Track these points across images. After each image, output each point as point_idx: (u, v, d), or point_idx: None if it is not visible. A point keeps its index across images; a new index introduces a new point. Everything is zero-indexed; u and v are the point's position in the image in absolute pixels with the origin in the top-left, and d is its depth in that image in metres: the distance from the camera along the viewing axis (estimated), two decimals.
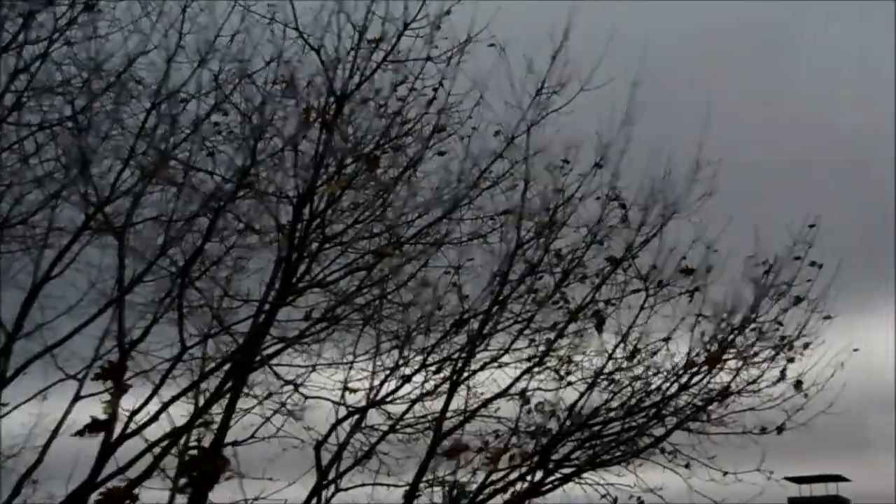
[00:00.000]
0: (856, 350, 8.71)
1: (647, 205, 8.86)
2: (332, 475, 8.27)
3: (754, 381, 8.83)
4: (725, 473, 8.64)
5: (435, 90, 8.69)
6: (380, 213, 8.81)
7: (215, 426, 8.09)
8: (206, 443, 8.14)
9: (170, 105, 8.30)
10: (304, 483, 8.33)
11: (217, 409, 8.06)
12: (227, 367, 7.97)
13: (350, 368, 8.73)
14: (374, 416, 8.96)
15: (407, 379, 8.96)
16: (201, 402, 8.09)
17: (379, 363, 8.85)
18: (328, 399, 8.72)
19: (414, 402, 8.87)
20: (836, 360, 8.68)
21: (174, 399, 7.50)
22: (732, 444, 8.85)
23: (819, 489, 20.80)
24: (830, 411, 8.74)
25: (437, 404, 8.80)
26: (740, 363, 8.78)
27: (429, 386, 8.86)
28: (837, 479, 20.75)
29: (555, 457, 8.61)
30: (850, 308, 9.45)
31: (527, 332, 8.86)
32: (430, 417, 8.89)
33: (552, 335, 8.83)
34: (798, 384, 8.74)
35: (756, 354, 8.85)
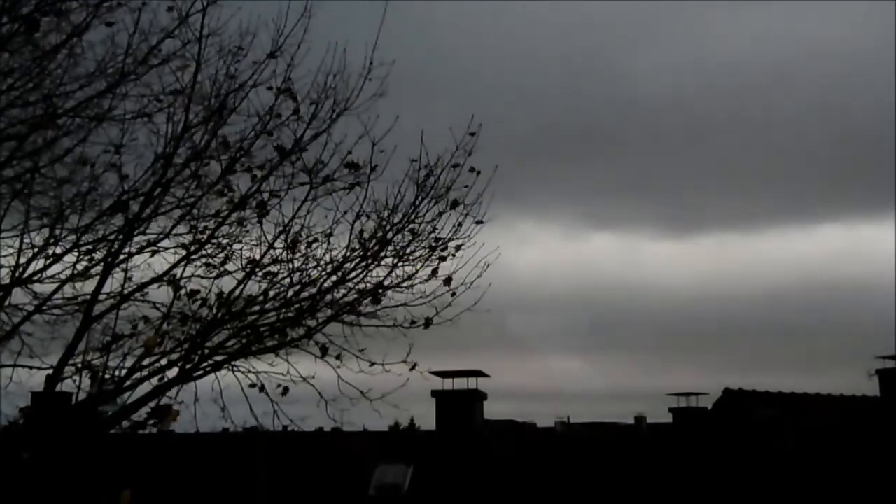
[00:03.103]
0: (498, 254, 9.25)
1: (320, 99, 8.87)
2: None
3: (408, 279, 9.17)
4: (373, 364, 8.95)
5: None
6: (36, 81, 8.29)
7: None
8: None
9: None
10: None
11: None
12: None
13: None
14: (19, 295, 8.59)
15: (57, 258, 8.61)
16: None
17: (27, 240, 8.51)
18: None
19: (64, 282, 8.57)
20: (484, 263, 9.20)
21: None
22: (384, 336, 9.16)
23: (461, 383, 22.48)
24: (475, 309, 9.29)
25: (88, 286, 8.54)
26: (396, 260, 9.10)
27: (81, 267, 8.56)
28: (478, 374, 22.49)
29: (208, 345, 8.59)
30: (504, 214, 9.98)
31: (188, 218, 8.70)
32: (80, 299, 8.60)
33: (213, 223, 8.74)
34: (448, 280, 9.16)
35: (412, 253, 9.19)
